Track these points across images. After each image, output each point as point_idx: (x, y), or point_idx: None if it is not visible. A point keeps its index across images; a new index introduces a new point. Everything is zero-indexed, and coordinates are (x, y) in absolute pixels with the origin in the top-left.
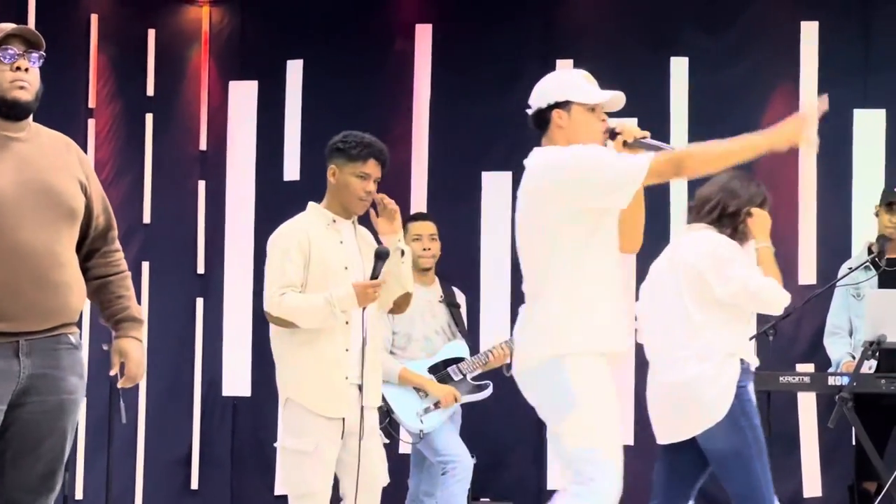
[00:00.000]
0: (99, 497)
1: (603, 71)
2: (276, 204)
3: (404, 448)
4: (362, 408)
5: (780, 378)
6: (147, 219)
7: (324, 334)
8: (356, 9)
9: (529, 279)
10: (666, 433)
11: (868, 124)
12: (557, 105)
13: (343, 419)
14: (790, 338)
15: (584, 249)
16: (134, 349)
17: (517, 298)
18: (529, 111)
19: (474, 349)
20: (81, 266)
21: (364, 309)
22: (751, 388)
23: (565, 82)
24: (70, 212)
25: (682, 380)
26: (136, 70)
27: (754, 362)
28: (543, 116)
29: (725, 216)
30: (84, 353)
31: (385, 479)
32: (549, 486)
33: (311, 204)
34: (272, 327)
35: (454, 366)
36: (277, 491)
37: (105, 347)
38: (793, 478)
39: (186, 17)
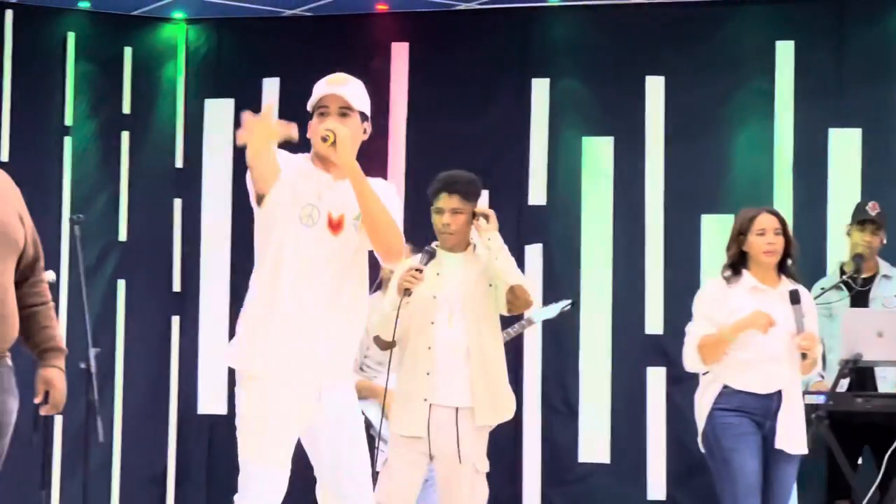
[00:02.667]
0: None
1: (579, 90)
2: (253, 221)
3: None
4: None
5: None
6: (123, 236)
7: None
8: (333, 27)
9: None
10: None
11: (843, 143)
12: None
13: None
14: None
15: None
16: (58, 378)
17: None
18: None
19: None
20: None
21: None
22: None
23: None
24: (15, 245)
25: None
26: (112, 88)
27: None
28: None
29: None
30: None
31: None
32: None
33: None
34: None
35: None
36: None
37: (83, 366)
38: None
39: (163, 35)
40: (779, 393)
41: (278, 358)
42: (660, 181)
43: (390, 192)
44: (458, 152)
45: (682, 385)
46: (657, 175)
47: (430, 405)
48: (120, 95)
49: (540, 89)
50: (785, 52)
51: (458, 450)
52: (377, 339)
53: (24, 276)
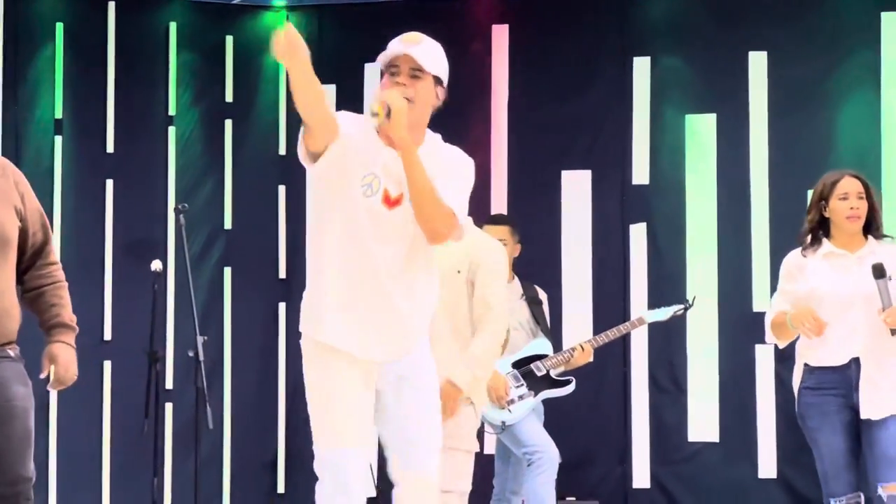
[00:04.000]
0: (187, 502)
1: (680, 67)
2: None
3: (489, 448)
4: None
5: None
6: (228, 224)
7: None
8: (432, 11)
9: None
10: None
11: None
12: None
13: None
14: None
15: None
16: (63, 353)
17: (599, 296)
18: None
19: (556, 347)
20: (19, 279)
21: None
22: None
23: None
24: (5, 241)
25: None
26: (214, 77)
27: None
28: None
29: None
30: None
31: None
32: (635, 485)
33: None
34: None
35: (537, 362)
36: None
37: (191, 354)
38: None
39: (263, 22)
40: (856, 361)
41: (343, 332)
42: (764, 157)
43: (459, 167)
44: (560, 134)
45: (790, 362)
46: (761, 151)
47: None
48: (222, 84)
49: (641, 68)
50: (891, 22)
51: None
52: None
53: (33, 262)
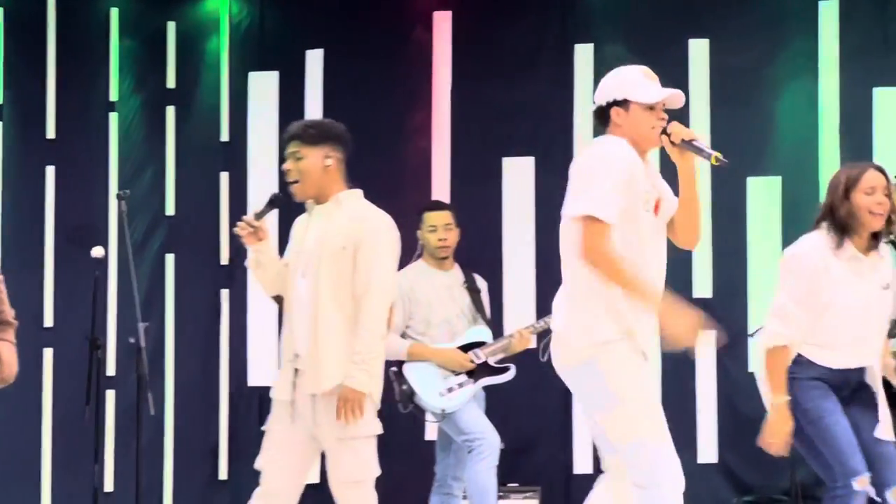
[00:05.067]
0: (128, 489)
1: (622, 55)
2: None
3: (430, 434)
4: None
5: None
6: (170, 210)
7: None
8: None
9: (565, 274)
10: None
11: (888, 102)
12: (616, 103)
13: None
14: None
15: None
16: (5, 351)
17: (541, 284)
18: (592, 108)
19: (498, 334)
20: None
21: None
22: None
23: (625, 80)
24: None
25: None
26: (156, 63)
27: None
28: (604, 114)
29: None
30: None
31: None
32: (577, 471)
33: None
34: None
35: (476, 349)
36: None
37: (132, 340)
38: None
39: (205, 8)
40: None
41: (640, 333)
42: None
43: None
44: (503, 121)
45: (730, 348)
46: (702, 137)
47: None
48: (164, 70)
49: (583, 55)
50: (829, 11)
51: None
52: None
53: None
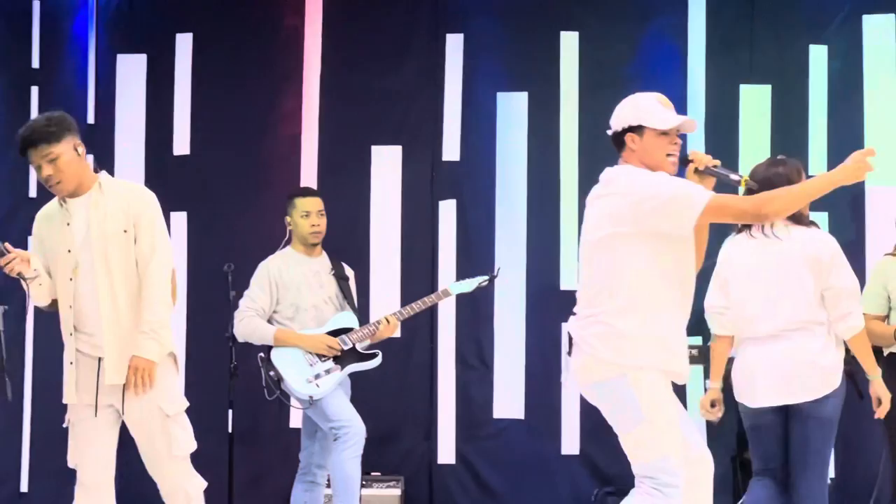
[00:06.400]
0: None
1: (493, 46)
2: (166, 178)
3: (294, 422)
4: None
5: None
6: (33, 193)
7: None
8: None
9: (589, 292)
10: (781, 396)
11: (754, 99)
12: (631, 129)
13: None
14: None
15: (648, 270)
16: None
17: (407, 272)
18: (609, 132)
19: (364, 322)
20: None
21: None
22: None
23: (639, 107)
24: None
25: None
26: (20, 42)
27: None
28: (619, 139)
29: None
30: None
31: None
32: (440, 461)
33: None
34: None
35: (343, 335)
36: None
37: None
38: None
39: None
40: None
41: (666, 353)
42: (574, 136)
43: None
44: (372, 108)
45: None
46: (572, 130)
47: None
48: (29, 49)
49: (454, 45)
50: (697, 6)
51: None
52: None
53: None
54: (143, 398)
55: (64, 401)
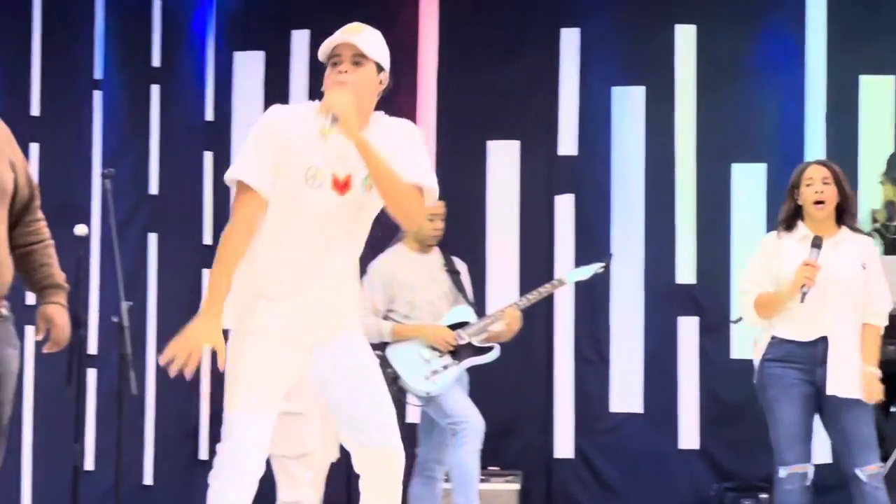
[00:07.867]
0: (109, 467)
1: (608, 39)
2: None
3: (412, 417)
4: None
5: None
6: (154, 190)
7: None
8: None
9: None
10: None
11: (875, 90)
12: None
13: None
14: None
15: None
16: (59, 314)
17: (525, 268)
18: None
19: (481, 316)
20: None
21: None
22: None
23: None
24: (3, 192)
25: None
26: (141, 41)
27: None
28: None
29: None
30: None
31: None
32: (558, 455)
33: None
34: None
35: (459, 329)
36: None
37: (115, 319)
38: None
39: None
40: (824, 339)
41: (277, 314)
42: (691, 130)
43: (412, 139)
44: (488, 103)
45: (713, 334)
46: (688, 124)
47: None
48: (149, 48)
49: (569, 39)
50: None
51: None
52: None
53: (19, 218)
54: None
55: None
